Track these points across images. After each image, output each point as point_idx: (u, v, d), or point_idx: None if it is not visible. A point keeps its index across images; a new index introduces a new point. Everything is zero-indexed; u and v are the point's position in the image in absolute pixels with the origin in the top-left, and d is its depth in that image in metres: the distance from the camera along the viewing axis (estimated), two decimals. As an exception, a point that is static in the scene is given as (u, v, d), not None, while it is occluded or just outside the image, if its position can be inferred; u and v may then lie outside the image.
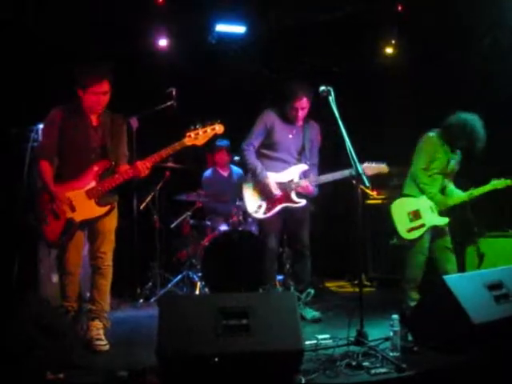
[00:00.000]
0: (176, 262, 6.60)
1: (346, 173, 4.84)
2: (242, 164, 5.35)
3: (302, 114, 5.08)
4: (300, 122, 5.16)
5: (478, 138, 5.06)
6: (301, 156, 5.19)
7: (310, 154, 5.20)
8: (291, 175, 5.11)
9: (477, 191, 5.22)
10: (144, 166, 4.16)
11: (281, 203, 5.06)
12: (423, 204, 5.27)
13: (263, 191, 5.08)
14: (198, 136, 4.22)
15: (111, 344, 4.16)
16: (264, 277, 5.27)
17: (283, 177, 5.11)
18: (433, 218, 5.25)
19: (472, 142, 5.09)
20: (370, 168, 5.02)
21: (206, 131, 4.24)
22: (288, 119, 5.14)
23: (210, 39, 6.91)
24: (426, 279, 5.18)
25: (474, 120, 5.08)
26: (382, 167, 5.07)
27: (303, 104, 5.02)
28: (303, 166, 5.14)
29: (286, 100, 5.05)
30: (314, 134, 5.25)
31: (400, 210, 5.36)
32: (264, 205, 5.09)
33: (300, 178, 5.10)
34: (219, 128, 4.28)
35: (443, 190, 5.34)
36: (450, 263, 5.30)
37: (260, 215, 5.09)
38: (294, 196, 5.08)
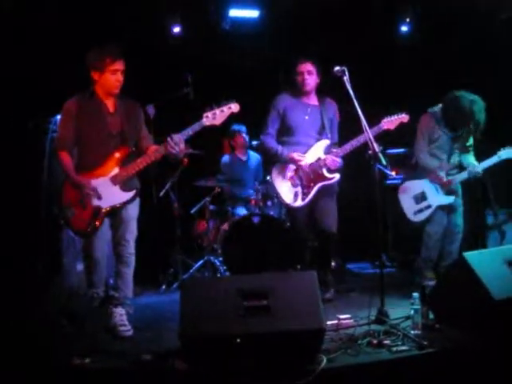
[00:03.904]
0: (197, 248, 6.65)
1: (363, 137, 4.76)
2: (265, 153, 5.32)
3: (309, 79, 5.05)
4: (313, 99, 5.13)
5: (476, 120, 5.03)
6: (321, 136, 5.15)
7: (331, 132, 5.16)
8: (317, 153, 5.08)
9: (480, 166, 5.20)
10: (174, 143, 4.15)
11: (316, 184, 5.04)
12: (428, 185, 5.28)
13: (294, 174, 5.07)
14: (215, 116, 4.22)
15: (135, 329, 4.22)
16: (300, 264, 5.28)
17: (310, 157, 5.08)
18: (438, 198, 5.26)
19: (470, 123, 5.07)
20: (391, 121, 4.96)
21: (222, 111, 4.24)
22: (299, 93, 5.11)
23: (223, 25, 6.90)
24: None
25: (472, 102, 5.04)
26: (402, 117, 4.99)
27: (308, 67, 5.01)
28: (325, 142, 5.11)
29: (292, 71, 5.04)
30: (332, 112, 5.20)
31: (406, 193, 5.38)
32: (300, 191, 5.06)
33: (325, 154, 5.06)
34: (235, 107, 4.28)
35: (461, 167, 5.33)
36: (455, 243, 5.31)
37: (299, 203, 5.04)
38: (326, 173, 5.05)
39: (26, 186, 5.40)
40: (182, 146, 4.22)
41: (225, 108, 4.26)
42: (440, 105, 5.30)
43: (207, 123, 4.23)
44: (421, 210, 5.32)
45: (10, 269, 4.93)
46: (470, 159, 5.40)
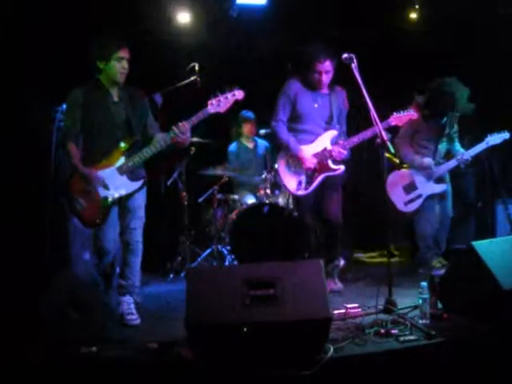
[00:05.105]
0: (205, 236, 6.65)
1: (373, 131, 4.75)
2: (275, 141, 5.29)
3: (326, 78, 4.97)
4: (324, 88, 5.07)
5: (456, 99, 5.06)
6: (330, 125, 5.10)
7: (339, 121, 5.12)
8: (323, 143, 5.04)
9: (468, 153, 5.23)
10: (180, 131, 4.15)
11: (320, 174, 5.01)
12: (417, 174, 5.28)
13: (299, 165, 5.04)
14: (219, 103, 4.22)
15: (142, 318, 4.24)
16: (308, 253, 5.28)
17: (316, 147, 5.04)
18: (429, 187, 5.27)
19: (452, 104, 5.08)
20: (400, 117, 4.93)
21: (226, 97, 4.24)
22: (312, 86, 5.05)
23: (231, 13, 6.85)
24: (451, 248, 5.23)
25: (450, 84, 5.07)
26: (411, 114, 4.95)
27: (327, 67, 4.91)
28: (333, 132, 5.06)
29: (308, 65, 4.94)
30: (341, 101, 5.14)
31: (395, 183, 5.36)
32: (304, 179, 5.04)
33: (332, 144, 5.02)
34: (239, 93, 4.28)
35: (448, 154, 5.38)
36: (445, 231, 5.35)
37: (302, 191, 5.03)
38: (331, 164, 5.02)
39: (33, 175, 5.40)
40: (189, 133, 4.23)
41: (229, 95, 4.25)
42: (421, 95, 5.32)
43: (212, 111, 4.23)
44: (412, 200, 5.35)
45: (17, 259, 4.94)
46: (457, 146, 5.47)
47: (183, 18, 6.90)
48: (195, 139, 6.25)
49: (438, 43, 6.85)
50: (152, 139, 4.30)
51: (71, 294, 3.79)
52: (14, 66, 5.58)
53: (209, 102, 4.22)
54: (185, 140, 4.22)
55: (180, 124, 4.17)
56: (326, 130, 5.08)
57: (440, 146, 5.38)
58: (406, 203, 5.38)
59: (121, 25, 5.89)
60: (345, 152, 4.96)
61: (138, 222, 4.36)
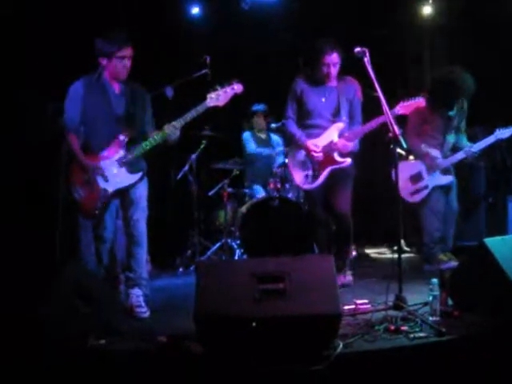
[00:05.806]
0: (215, 230, 6.65)
1: (378, 121, 4.70)
2: (286, 137, 5.34)
3: (334, 71, 4.95)
4: (333, 81, 5.05)
5: (460, 87, 5.08)
6: (336, 118, 5.04)
7: (352, 111, 5.06)
8: (330, 136, 4.99)
9: (476, 146, 5.23)
10: (172, 128, 4.17)
11: (326, 167, 4.98)
12: (424, 165, 5.27)
13: (306, 157, 5.03)
14: (218, 97, 4.23)
15: (152, 311, 4.23)
16: (318, 248, 5.26)
17: (323, 140, 5.01)
18: (436, 178, 5.25)
19: (457, 93, 5.07)
20: (407, 105, 4.85)
21: (226, 91, 4.25)
22: (319, 81, 5.03)
23: (242, 6, 6.84)
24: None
25: (454, 72, 5.07)
26: (418, 101, 4.87)
27: (334, 59, 4.89)
28: (340, 125, 5.01)
29: (315, 59, 4.93)
30: (352, 92, 5.07)
31: (402, 173, 5.33)
32: (310, 173, 5.03)
33: (339, 137, 4.98)
34: (238, 87, 4.28)
35: (454, 147, 5.37)
36: (453, 226, 5.33)
37: (309, 185, 5.02)
38: (337, 157, 4.98)
39: (44, 167, 5.41)
40: (178, 132, 4.24)
41: (228, 89, 4.26)
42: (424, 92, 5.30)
43: (211, 104, 4.24)
44: (417, 191, 5.35)
45: (27, 251, 4.96)
46: (464, 140, 5.47)
47: (195, 10, 6.89)
48: (206, 132, 6.25)
49: (453, 37, 6.83)
50: (149, 135, 4.30)
51: (80, 286, 3.79)
52: (14, 66, 5.58)
53: (208, 96, 4.23)
54: (175, 139, 4.26)
55: (174, 122, 4.20)
56: (333, 123, 5.04)
57: (448, 137, 5.36)
58: (412, 193, 5.38)
59: (133, 16, 5.88)
60: (349, 144, 4.93)
61: (141, 213, 4.35)
